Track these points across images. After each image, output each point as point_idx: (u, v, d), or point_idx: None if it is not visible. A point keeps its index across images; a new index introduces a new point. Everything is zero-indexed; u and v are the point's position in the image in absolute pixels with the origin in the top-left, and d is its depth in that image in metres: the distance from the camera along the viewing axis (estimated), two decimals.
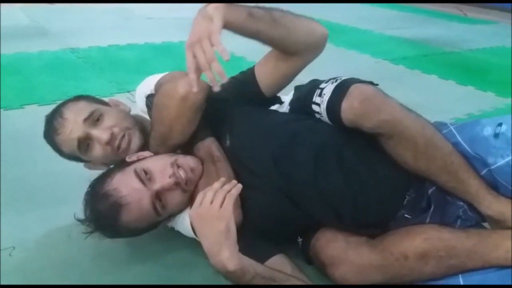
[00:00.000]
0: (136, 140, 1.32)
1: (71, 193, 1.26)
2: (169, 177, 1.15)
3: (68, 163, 1.40)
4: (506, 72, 3.22)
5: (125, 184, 1.13)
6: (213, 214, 1.03)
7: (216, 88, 1.04)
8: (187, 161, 1.20)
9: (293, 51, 1.24)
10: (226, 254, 1.00)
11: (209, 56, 1.01)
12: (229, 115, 1.30)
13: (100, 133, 1.28)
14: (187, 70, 1.06)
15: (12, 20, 4.10)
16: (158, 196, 1.14)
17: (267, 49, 1.28)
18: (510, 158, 1.06)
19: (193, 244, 1.26)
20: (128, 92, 2.48)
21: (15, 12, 4.51)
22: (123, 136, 1.30)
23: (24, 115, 2.20)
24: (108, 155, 1.30)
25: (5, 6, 4.55)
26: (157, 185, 1.14)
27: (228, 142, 1.26)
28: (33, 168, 1.73)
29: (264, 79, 1.31)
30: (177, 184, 1.15)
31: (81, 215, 1.18)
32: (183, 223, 1.23)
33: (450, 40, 4.38)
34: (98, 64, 3.03)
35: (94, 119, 1.29)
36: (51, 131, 1.32)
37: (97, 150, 1.30)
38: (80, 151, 1.30)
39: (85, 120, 1.28)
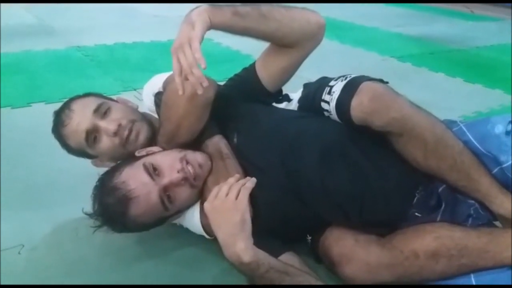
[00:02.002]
0: (144, 132, 1.32)
1: (79, 191, 1.25)
2: (178, 172, 1.15)
3: (75, 160, 1.40)
4: None
5: (134, 178, 1.13)
6: (228, 206, 1.05)
7: (200, 91, 1.06)
8: (196, 156, 1.20)
9: (289, 43, 1.24)
10: (242, 246, 1.01)
11: (189, 61, 1.03)
12: (236, 113, 1.30)
13: (108, 124, 1.28)
14: (173, 74, 1.08)
15: (17, 18, 4.11)
16: (166, 190, 1.14)
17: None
18: None
19: (202, 241, 1.26)
20: (135, 90, 2.48)
21: (21, 11, 4.51)
22: (131, 129, 1.30)
23: (31, 113, 2.20)
24: (116, 148, 1.30)
25: (10, 5, 4.55)
26: (165, 180, 1.13)
27: (235, 139, 1.26)
28: (40, 166, 1.73)
29: (265, 74, 1.31)
30: (185, 179, 1.15)
31: (90, 210, 1.18)
32: (192, 220, 1.23)
33: (457, 37, 4.36)
34: (104, 63, 3.02)
35: (102, 112, 1.30)
36: (58, 124, 1.32)
37: (105, 142, 1.29)
38: (88, 143, 1.30)
39: (94, 112, 1.29)
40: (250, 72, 1.34)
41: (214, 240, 1.22)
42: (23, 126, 2.05)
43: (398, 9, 5.96)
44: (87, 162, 1.39)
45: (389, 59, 3.42)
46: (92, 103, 1.32)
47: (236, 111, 1.30)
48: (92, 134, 1.29)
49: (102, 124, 1.28)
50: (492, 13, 6.11)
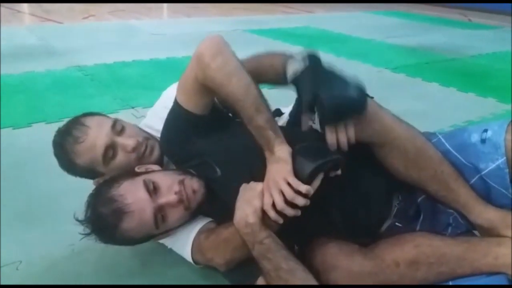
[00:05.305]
0: (157, 149, 1.36)
1: (76, 209, 1.29)
2: (175, 193, 1.18)
3: (73, 179, 1.43)
4: (507, 78, 3.23)
5: (132, 192, 1.16)
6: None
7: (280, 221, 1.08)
8: (192, 182, 1.22)
9: None
10: (251, 209, 1.07)
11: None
12: (204, 147, 1.29)
13: (126, 141, 1.31)
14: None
15: (19, 39, 4.19)
16: (161, 209, 1.17)
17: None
18: (500, 161, 1.09)
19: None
20: (132, 108, 2.54)
21: (22, 31, 4.61)
22: (147, 145, 1.34)
23: (31, 133, 2.26)
24: (130, 164, 1.32)
25: (11, 26, 4.64)
26: (163, 200, 1.16)
27: (218, 171, 1.26)
28: (40, 185, 1.78)
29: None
30: (181, 201, 1.18)
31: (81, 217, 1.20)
32: (183, 250, 1.27)
33: (452, 46, 4.40)
34: (104, 81, 3.09)
35: (118, 129, 1.33)
36: (70, 141, 1.31)
37: (121, 158, 1.32)
38: (104, 159, 1.31)
39: (111, 128, 1.32)
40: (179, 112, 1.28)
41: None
42: (24, 146, 2.10)
43: (394, 20, 6.02)
44: (84, 181, 1.40)
45: (384, 71, 3.46)
46: (107, 120, 1.35)
47: (204, 145, 1.29)
48: (110, 150, 1.31)
49: (120, 140, 1.31)
50: (490, 20, 6.15)
